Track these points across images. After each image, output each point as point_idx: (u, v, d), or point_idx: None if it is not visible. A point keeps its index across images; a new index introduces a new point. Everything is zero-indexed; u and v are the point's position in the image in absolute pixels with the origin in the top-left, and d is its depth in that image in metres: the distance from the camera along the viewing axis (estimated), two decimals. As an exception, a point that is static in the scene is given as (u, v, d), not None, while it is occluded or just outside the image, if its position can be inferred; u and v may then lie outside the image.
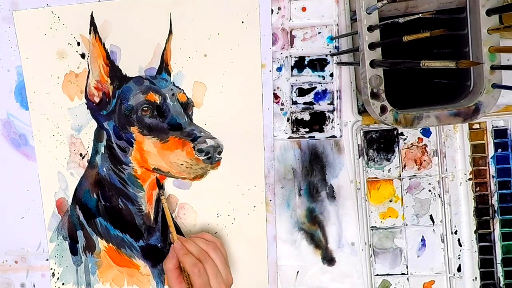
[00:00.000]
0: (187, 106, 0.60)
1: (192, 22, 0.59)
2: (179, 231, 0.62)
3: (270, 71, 0.60)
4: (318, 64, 0.60)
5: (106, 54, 0.59)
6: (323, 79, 0.60)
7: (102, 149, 0.61)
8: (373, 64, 0.49)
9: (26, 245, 0.64)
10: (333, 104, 0.60)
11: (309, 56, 0.60)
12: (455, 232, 0.60)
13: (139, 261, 0.62)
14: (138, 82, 0.59)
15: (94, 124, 0.61)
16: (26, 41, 0.60)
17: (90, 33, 0.59)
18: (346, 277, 0.62)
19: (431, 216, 0.61)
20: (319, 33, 0.60)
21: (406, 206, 0.61)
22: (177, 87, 0.60)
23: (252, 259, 0.62)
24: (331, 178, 0.61)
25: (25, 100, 0.61)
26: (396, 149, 0.61)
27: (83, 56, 0.60)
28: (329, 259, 0.62)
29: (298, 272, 0.62)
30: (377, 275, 0.62)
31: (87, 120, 0.61)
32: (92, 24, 0.59)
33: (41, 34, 0.60)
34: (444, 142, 0.60)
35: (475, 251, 0.60)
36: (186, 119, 0.59)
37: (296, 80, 0.60)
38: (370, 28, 0.48)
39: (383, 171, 0.61)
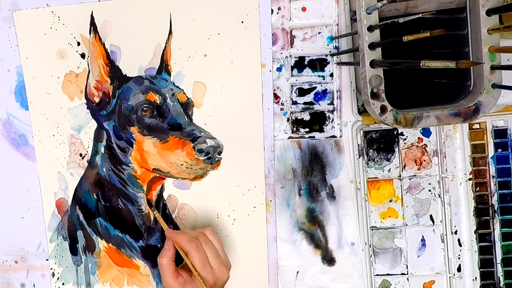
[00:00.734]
0: (187, 106, 0.60)
1: (192, 22, 0.59)
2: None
3: (270, 71, 0.60)
4: (318, 64, 0.60)
5: (106, 54, 0.59)
6: (323, 79, 0.60)
7: (102, 149, 0.61)
8: (373, 64, 0.49)
9: (26, 245, 0.64)
10: (333, 104, 0.60)
11: (309, 56, 0.60)
12: (455, 232, 0.60)
13: (139, 261, 0.62)
14: (138, 82, 0.59)
15: (94, 124, 0.61)
16: (26, 41, 0.60)
17: (90, 33, 0.59)
18: (346, 277, 0.62)
19: (431, 216, 0.61)
20: (319, 33, 0.60)
21: (406, 206, 0.61)
22: (177, 87, 0.60)
23: (252, 260, 0.62)
24: (331, 178, 0.61)
25: (25, 100, 0.61)
26: (396, 149, 0.61)
27: (83, 56, 0.60)
28: (329, 259, 0.62)
29: (298, 272, 0.62)
30: (377, 275, 0.62)
31: (87, 120, 0.61)
32: (92, 24, 0.59)
33: (41, 34, 0.60)
34: (444, 142, 0.60)
35: (475, 251, 0.60)
36: (186, 119, 0.59)
37: (296, 80, 0.60)
38: (370, 28, 0.48)
39: (383, 171, 0.61)
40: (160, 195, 0.62)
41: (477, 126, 0.60)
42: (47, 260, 0.63)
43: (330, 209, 0.61)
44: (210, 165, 0.58)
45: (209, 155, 0.57)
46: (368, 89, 0.49)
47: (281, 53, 0.60)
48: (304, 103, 0.61)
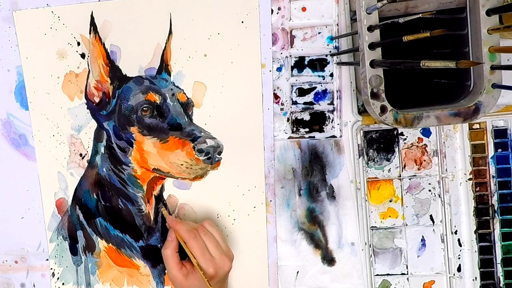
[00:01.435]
0: (187, 106, 0.60)
1: (192, 22, 0.59)
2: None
3: (270, 71, 0.60)
4: (318, 64, 0.60)
5: (106, 54, 0.59)
6: (323, 79, 0.60)
7: (102, 149, 0.61)
8: (373, 64, 0.49)
9: (26, 245, 0.63)
10: (333, 104, 0.60)
11: (309, 56, 0.60)
12: (455, 232, 0.60)
13: (139, 261, 0.62)
14: (138, 82, 0.59)
15: (94, 124, 0.61)
16: (26, 41, 0.60)
17: (90, 33, 0.59)
18: (346, 277, 0.62)
19: (431, 216, 0.61)
20: (319, 33, 0.60)
21: (406, 206, 0.61)
22: (177, 87, 0.60)
23: (252, 260, 0.62)
24: (331, 178, 0.61)
25: (25, 100, 0.61)
26: (396, 149, 0.61)
27: (83, 56, 0.60)
28: (329, 259, 0.62)
29: (298, 272, 0.62)
30: (377, 275, 0.61)
31: (87, 120, 0.61)
32: (92, 24, 0.59)
33: (41, 34, 0.60)
34: (444, 142, 0.60)
35: (475, 251, 0.60)
36: (186, 119, 0.59)
37: (296, 80, 0.60)
38: (370, 28, 0.48)
39: (383, 171, 0.61)
40: (160, 195, 0.62)
41: (477, 126, 0.60)
42: (47, 260, 0.63)
43: (330, 209, 0.61)
44: (210, 165, 0.58)
45: (209, 155, 0.57)
46: (368, 89, 0.49)
47: (281, 53, 0.60)
48: (304, 103, 0.61)
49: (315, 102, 0.61)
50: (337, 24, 0.59)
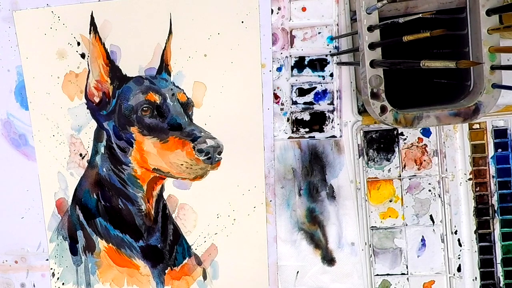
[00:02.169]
0: (187, 106, 0.60)
1: (192, 22, 0.59)
2: (177, 231, 0.62)
3: (270, 71, 0.60)
4: (318, 64, 0.60)
5: (106, 54, 0.59)
6: (323, 79, 0.60)
7: (102, 149, 0.61)
8: (373, 64, 0.49)
9: (26, 245, 0.64)
10: (333, 104, 0.60)
11: (309, 56, 0.60)
12: (455, 232, 0.60)
13: (139, 261, 0.62)
14: (138, 82, 0.59)
15: (94, 124, 0.61)
16: (26, 41, 0.60)
17: (90, 33, 0.59)
18: (346, 277, 0.62)
19: (431, 216, 0.61)
20: (319, 33, 0.60)
21: (406, 206, 0.61)
22: (177, 87, 0.60)
23: (252, 260, 0.62)
24: (331, 178, 0.61)
25: (25, 100, 0.61)
26: (396, 149, 0.61)
27: (83, 56, 0.60)
28: (329, 259, 0.62)
29: (298, 272, 0.62)
30: (377, 275, 0.62)
31: (87, 120, 0.61)
32: (92, 24, 0.59)
33: (41, 34, 0.60)
34: (444, 142, 0.60)
35: (475, 251, 0.60)
36: (186, 119, 0.59)
37: (296, 80, 0.60)
38: (370, 28, 0.48)
39: (383, 171, 0.61)
40: (160, 195, 0.62)
41: (477, 126, 0.60)
42: (47, 260, 0.63)
43: (330, 209, 0.61)
44: (210, 165, 0.58)
45: (209, 155, 0.57)
46: (368, 89, 0.49)
47: (281, 53, 0.60)
48: (304, 103, 0.61)
49: (315, 102, 0.61)
50: (337, 24, 0.59)
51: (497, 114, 0.59)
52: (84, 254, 0.63)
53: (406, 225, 0.61)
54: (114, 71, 0.60)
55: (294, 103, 0.61)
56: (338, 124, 0.60)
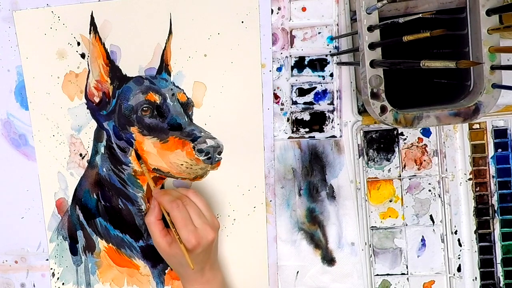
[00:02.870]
0: (187, 106, 0.60)
1: (192, 22, 0.59)
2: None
3: (270, 71, 0.60)
4: (318, 64, 0.60)
5: (106, 54, 0.59)
6: (323, 79, 0.60)
7: (102, 149, 0.61)
8: (373, 64, 0.49)
9: (26, 245, 0.63)
10: (333, 104, 0.60)
11: (309, 56, 0.60)
12: (455, 232, 0.60)
13: (139, 261, 0.62)
14: (138, 82, 0.59)
15: (94, 124, 0.61)
16: (26, 41, 0.60)
17: (90, 33, 0.59)
18: (346, 277, 0.62)
19: (431, 216, 0.61)
20: (319, 33, 0.60)
21: (406, 206, 0.61)
22: (177, 87, 0.60)
23: (252, 260, 0.62)
24: (331, 178, 0.61)
25: (25, 100, 0.61)
26: (396, 149, 0.61)
27: (83, 56, 0.60)
28: (329, 259, 0.62)
29: (298, 272, 0.62)
30: (377, 275, 0.62)
31: (87, 120, 0.61)
32: (92, 24, 0.59)
33: (41, 34, 0.60)
34: (444, 142, 0.60)
35: (475, 251, 0.60)
36: (186, 119, 0.59)
37: (296, 80, 0.60)
38: (370, 28, 0.48)
39: (383, 171, 0.61)
40: (160, 195, 0.62)
41: (477, 126, 0.60)
42: (47, 260, 0.63)
43: (330, 209, 0.61)
44: (210, 165, 0.58)
45: (209, 155, 0.56)
46: (368, 89, 0.49)
47: (281, 53, 0.60)
48: (304, 103, 0.61)
49: (315, 102, 0.61)
50: (337, 24, 0.59)
51: (497, 114, 0.59)
52: (84, 254, 0.63)
53: (406, 225, 0.61)
54: (114, 71, 0.59)
55: (294, 103, 0.61)
56: (338, 124, 0.60)
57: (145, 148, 0.58)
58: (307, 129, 0.61)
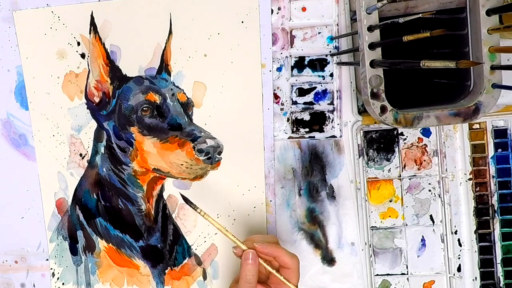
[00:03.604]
0: (187, 106, 0.60)
1: (192, 22, 0.59)
2: (177, 231, 0.62)
3: (270, 71, 0.60)
4: (318, 64, 0.60)
5: (106, 54, 0.59)
6: (323, 79, 0.60)
7: (102, 149, 0.61)
8: (373, 64, 0.49)
9: (26, 245, 0.64)
10: (333, 104, 0.60)
11: (309, 56, 0.60)
12: (455, 232, 0.60)
13: (139, 261, 0.62)
14: (138, 82, 0.59)
15: (94, 124, 0.61)
16: (26, 41, 0.60)
17: (90, 33, 0.59)
18: (346, 277, 0.62)
19: (431, 216, 0.61)
20: (319, 33, 0.60)
21: (406, 206, 0.61)
22: (177, 87, 0.60)
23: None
24: (331, 178, 0.61)
25: (25, 100, 0.61)
26: (396, 149, 0.61)
27: (83, 56, 0.60)
28: (329, 259, 0.62)
29: (298, 272, 0.62)
30: (377, 275, 0.61)
31: (87, 120, 0.61)
32: (92, 24, 0.59)
33: (41, 34, 0.60)
34: (444, 142, 0.60)
35: (475, 251, 0.60)
36: (186, 119, 0.59)
37: (296, 80, 0.60)
38: (370, 28, 0.48)
39: (383, 171, 0.61)
40: (160, 195, 0.62)
41: (477, 126, 0.60)
42: (47, 260, 0.63)
43: (330, 209, 0.61)
44: (210, 165, 0.58)
45: (209, 155, 0.57)
46: (368, 89, 0.49)
47: (281, 53, 0.60)
48: (304, 103, 0.61)
49: (315, 102, 0.61)
50: (337, 24, 0.59)
51: (497, 114, 0.59)
52: (84, 254, 0.63)
53: (406, 225, 0.61)
54: (114, 71, 0.59)
55: (294, 103, 0.61)
56: (338, 124, 0.60)
57: (145, 148, 0.58)
58: (307, 129, 0.61)
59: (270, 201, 0.61)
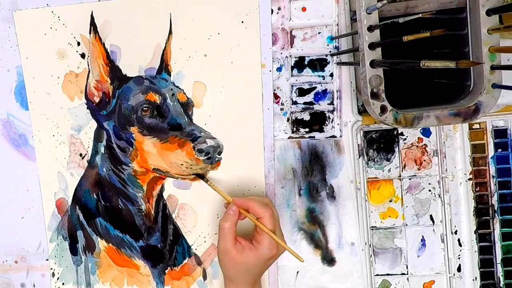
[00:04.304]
0: (187, 106, 0.60)
1: (192, 22, 0.59)
2: (177, 231, 0.62)
3: (270, 71, 0.60)
4: (318, 64, 0.60)
5: (106, 54, 0.59)
6: (323, 79, 0.60)
7: (102, 149, 0.61)
8: (373, 64, 0.49)
9: (26, 245, 0.64)
10: (333, 104, 0.60)
11: (309, 56, 0.60)
12: (455, 232, 0.60)
13: (139, 261, 0.62)
14: (138, 82, 0.59)
15: (94, 124, 0.61)
16: (26, 41, 0.60)
17: (90, 33, 0.59)
18: (346, 277, 0.62)
19: (431, 216, 0.61)
20: (319, 33, 0.60)
21: (406, 206, 0.61)
22: (177, 87, 0.60)
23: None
24: (331, 178, 0.61)
25: (25, 100, 0.61)
26: (396, 149, 0.61)
27: (83, 56, 0.60)
28: (329, 259, 0.62)
29: (298, 272, 0.62)
30: (377, 275, 0.61)
31: (87, 120, 0.61)
32: (92, 24, 0.59)
33: (41, 34, 0.60)
34: (444, 142, 0.60)
35: (475, 251, 0.60)
36: (186, 119, 0.59)
37: (296, 80, 0.60)
38: (370, 28, 0.48)
39: (383, 171, 0.61)
40: (160, 195, 0.62)
41: (477, 126, 0.60)
42: (47, 260, 0.63)
43: (330, 209, 0.61)
44: (210, 165, 0.58)
45: (209, 155, 0.57)
46: (368, 89, 0.49)
47: (281, 53, 0.60)
48: (304, 103, 0.61)
49: (315, 102, 0.61)
50: (337, 24, 0.59)
51: (497, 114, 0.59)
52: (84, 254, 0.63)
53: (406, 225, 0.61)
54: (114, 71, 0.59)
55: (294, 103, 0.61)
56: (338, 124, 0.60)
57: (145, 148, 0.58)
58: (307, 129, 0.61)
59: (270, 201, 0.61)
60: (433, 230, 0.61)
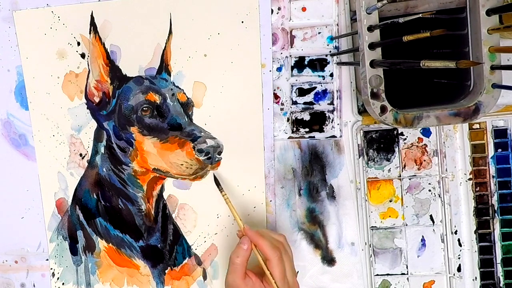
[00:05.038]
0: (187, 106, 0.60)
1: (192, 22, 0.59)
2: (177, 231, 0.62)
3: (270, 71, 0.60)
4: (318, 64, 0.60)
5: (106, 54, 0.59)
6: (323, 79, 0.60)
7: (102, 149, 0.61)
8: (373, 64, 0.49)
9: (26, 245, 0.64)
10: (333, 104, 0.60)
11: (309, 56, 0.60)
12: (455, 232, 0.60)
13: (139, 261, 0.62)
14: (138, 82, 0.59)
15: (94, 124, 0.61)
16: (26, 41, 0.60)
17: (90, 33, 0.59)
18: (346, 277, 0.62)
19: (431, 216, 0.61)
20: (319, 33, 0.60)
21: (406, 206, 0.61)
22: (177, 87, 0.60)
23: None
24: (331, 178, 0.61)
25: (25, 100, 0.61)
26: (396, 149, 0.61)
27: (83, 56, 0.60)
28: (329, 259, 0.62)
29: (298, 272, 0.62)
30: (377, 275, 0.62)
31: (87, 120, 0.61)
32: (92, 24, 0.59)
33: (41, 34, 0.60)
34: (444, 142, 0.60)
35: (475, 251, 0.60)
36: (186, 119, 0.59)
37: (296, 80, 0.60)
38: (370, 28, 0.48)
39: (383, 171, 0.61)
40: (160, 195, 0.62)
41: (477, 126, 0.60)
42: (47, 260, 0.63)
43: (330, 209, 0.61)
44: (210, 165, 0.58)
45: (209, 155, 0.57)
46: (368, 89, 0.49)
47: (281, 53, 0.60)
48: (304, 103, 0.61)
49: (315, 102, 0.61)
50: (337, 24, 0.59)
51: (497, 114, 0.59)
52: (84, 254, 0.63)
53: (406, 225, 0.61)
54: (114, 71, 0.60)
55: (294, 103, 0.61)
56: (338, 124, 0.60)
57: (145, 148, 0.59)
58: (307, 129, 0.61)
59: (270, 201, 0.61)
60: (433, 230, 0.61)
